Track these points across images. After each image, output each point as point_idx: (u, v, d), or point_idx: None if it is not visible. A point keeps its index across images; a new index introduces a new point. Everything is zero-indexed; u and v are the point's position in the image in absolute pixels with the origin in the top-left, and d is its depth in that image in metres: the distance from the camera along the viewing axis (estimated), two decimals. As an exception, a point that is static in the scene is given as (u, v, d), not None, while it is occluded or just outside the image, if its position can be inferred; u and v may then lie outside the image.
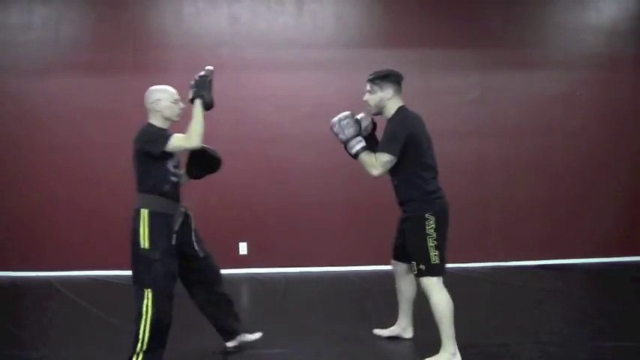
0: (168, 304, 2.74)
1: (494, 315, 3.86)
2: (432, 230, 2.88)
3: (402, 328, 3.36)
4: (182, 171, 2.98)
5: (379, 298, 4.20)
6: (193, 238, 2.92)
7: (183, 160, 3.02)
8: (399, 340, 3.33)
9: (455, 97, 5.34)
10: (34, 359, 3.08)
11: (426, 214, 2.89)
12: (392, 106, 3.00)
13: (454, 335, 2.92)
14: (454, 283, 4.74)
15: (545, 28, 5.43)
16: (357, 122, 3.04)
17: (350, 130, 2.97)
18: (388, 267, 5.09)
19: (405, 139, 2.86)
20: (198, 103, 2.75)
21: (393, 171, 2.96)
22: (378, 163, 2.88)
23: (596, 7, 5.46)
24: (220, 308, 3.07)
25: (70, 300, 4.29)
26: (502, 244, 5.40)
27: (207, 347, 3.17)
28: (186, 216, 2.90)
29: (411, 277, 3.19)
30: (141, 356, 2.69)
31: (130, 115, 5.20)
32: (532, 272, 5.10)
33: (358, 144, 2.96)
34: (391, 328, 3.40)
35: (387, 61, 5.29)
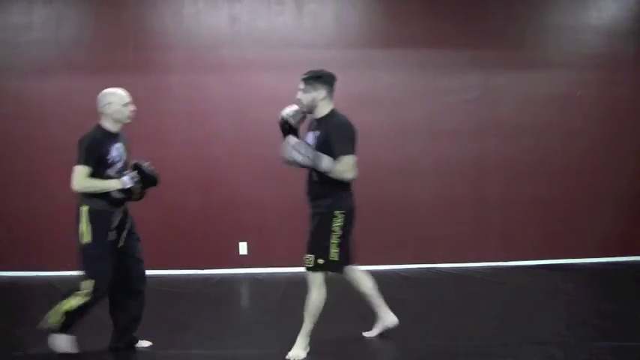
0: None
1: (494, 315, 3.86)
2: (338, 228, 2.95)
3: (383, 319, 3.37)
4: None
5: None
6: None
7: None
8: (398, 339, 3.32)
9: (454, 96, 5.33)
10: (33, 359, 3.08)
11: (336, 212, 2.97)
12: (324, 106, 3.02)
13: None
14: (454, 283, 4.80)
15: (545, 28, 5.42)
16: (296, 130, 3.09)
17: (308, 149, 2.90)
18: (388, 267, 5.06)
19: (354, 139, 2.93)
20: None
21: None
22: (350, 166, 2.89)
23: (596, 7, 5.46)
24: None
25: (70, 300, 4.28)
26: (502, 244, 5.40)
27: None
28: None
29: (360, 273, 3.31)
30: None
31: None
32: (532, 272, 5.10)
33: (324, 159, 2.90)
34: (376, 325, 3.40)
35: (386, 60, 5.34)
